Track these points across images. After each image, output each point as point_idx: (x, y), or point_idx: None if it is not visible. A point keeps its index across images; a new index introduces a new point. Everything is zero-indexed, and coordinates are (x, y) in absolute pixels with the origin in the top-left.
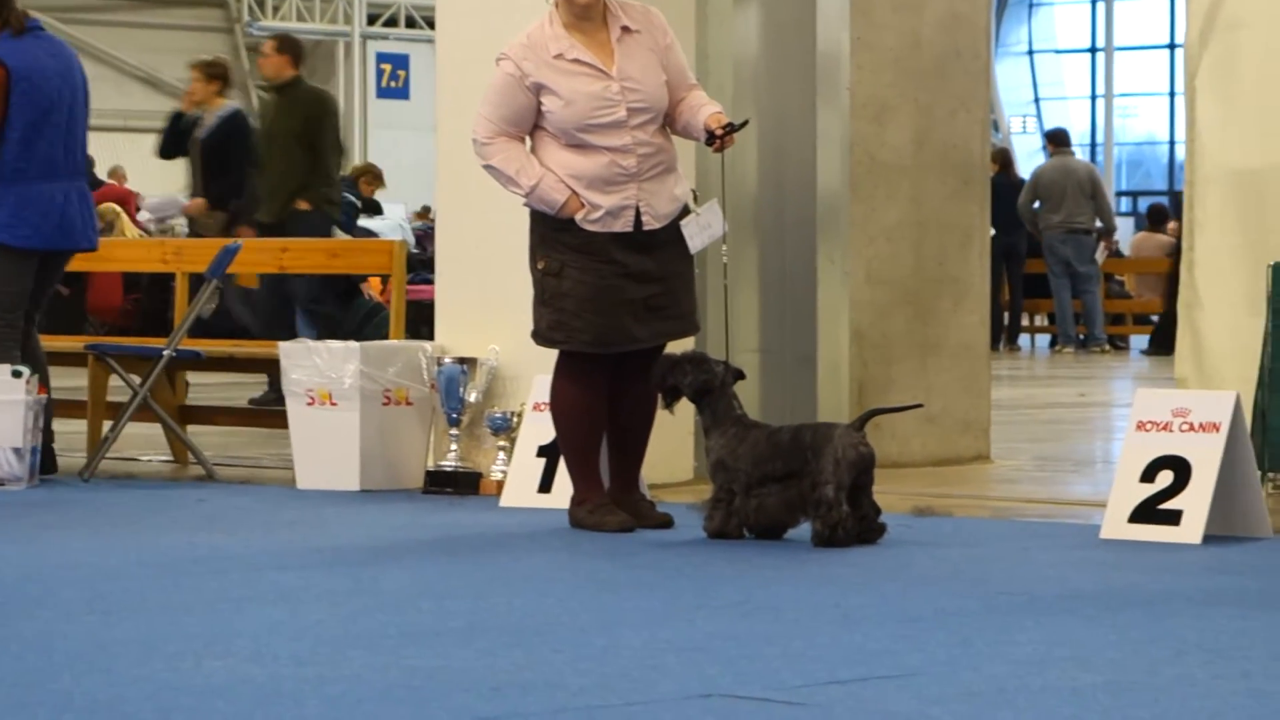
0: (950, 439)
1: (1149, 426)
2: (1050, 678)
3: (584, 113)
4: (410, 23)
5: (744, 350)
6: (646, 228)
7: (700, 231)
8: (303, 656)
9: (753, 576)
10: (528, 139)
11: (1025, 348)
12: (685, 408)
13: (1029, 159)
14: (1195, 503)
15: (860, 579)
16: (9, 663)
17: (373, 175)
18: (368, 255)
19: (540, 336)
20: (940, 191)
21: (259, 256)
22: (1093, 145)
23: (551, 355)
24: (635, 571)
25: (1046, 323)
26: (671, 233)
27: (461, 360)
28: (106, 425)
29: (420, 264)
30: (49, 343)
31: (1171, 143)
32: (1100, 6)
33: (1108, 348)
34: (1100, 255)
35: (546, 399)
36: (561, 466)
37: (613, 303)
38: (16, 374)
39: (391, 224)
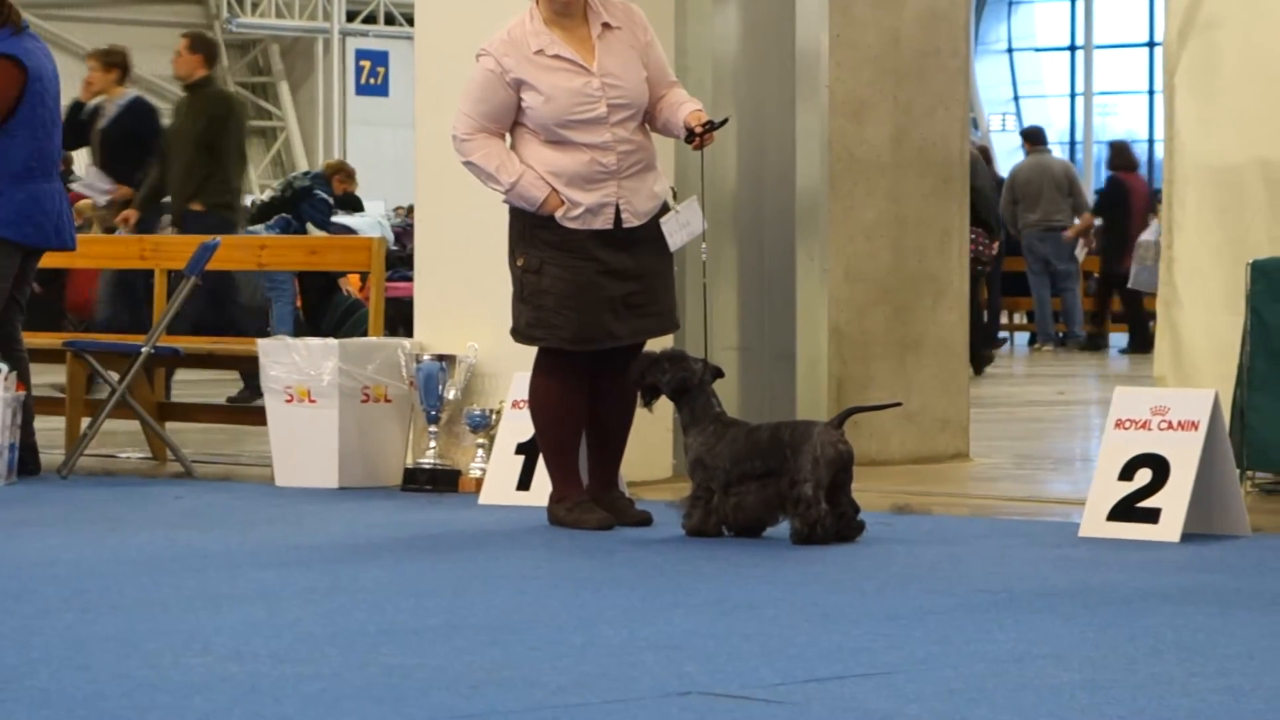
0: (929, 437)
1: (1128, 424)
2: (1028, 675)
3: (564, 109)
4: (390, 19)
5: (723, 348)
6: (626, 225)
7: (679, 229)
8: (281, 654)
9: (731, 574)
10: (508, 136)
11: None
12: (664, 406)
13: (1008, 157)
14: (1174, 501)
15: (839, 577)
16: None
17: (345, 173)
18: (347, 252)
19: (519, 334)
20: (919, 189)
21: (237, 254)
22: (1072, 143)
23: (530, 352)
24: (614, 569)
25: (1025, 320)
26: (651, 230)
27: (440, 357)
28: (85, 422)
29: (399, 261)
30: (27, 339)
31: (1151, 141)
32: (1080, 5)
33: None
34: (1080, 253)
35: (526, 396)
36: (540, 464)
37: (592, 300)
38: None
39: (370, 221)
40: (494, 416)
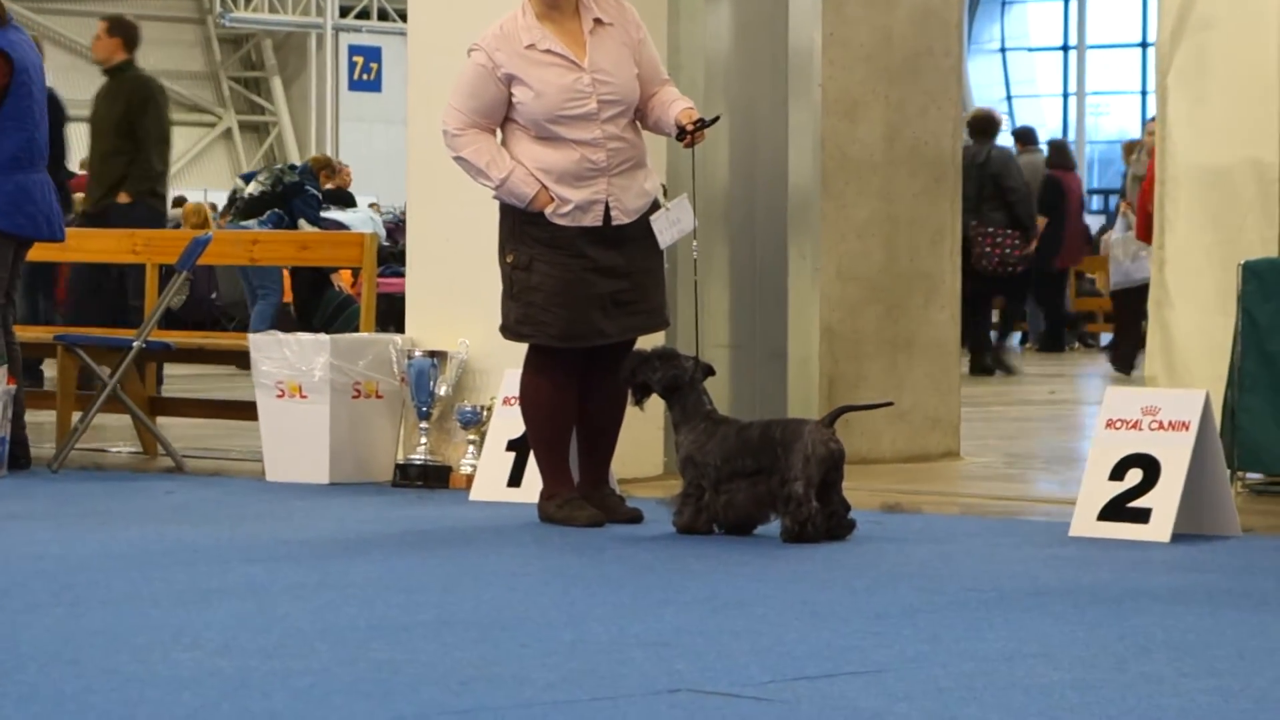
0: (920, 436)
1: (1119, 424)
2: (1018, 674)
3: (555, 104)
4: (383, 15)
5: (714, 345)
6: (615, 223)
7: (670, 226)
8: (270, 649)
9: (721, 572)
10: (498, 131)
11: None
12: (655, 403)
13: None
14: (1164, 501)
15: (829, 575)
16: None
17: (331, 168)
18: (338, 248)
19: (509, 331)
20: (911, 188)
21: (228, 248)
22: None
23: (521, 349)
24: (604, 566)
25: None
26: (641, 228)
27: (432, 354)
28: (76, 416)
29: (391, 256)
30: (18, 333)
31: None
32: (1073, 5)
33: (1077, 345)
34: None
35: (516, 393)
36: (531, 461)
37: (581, 297)
38: None
39: (362, 216)
40: (485, 413)
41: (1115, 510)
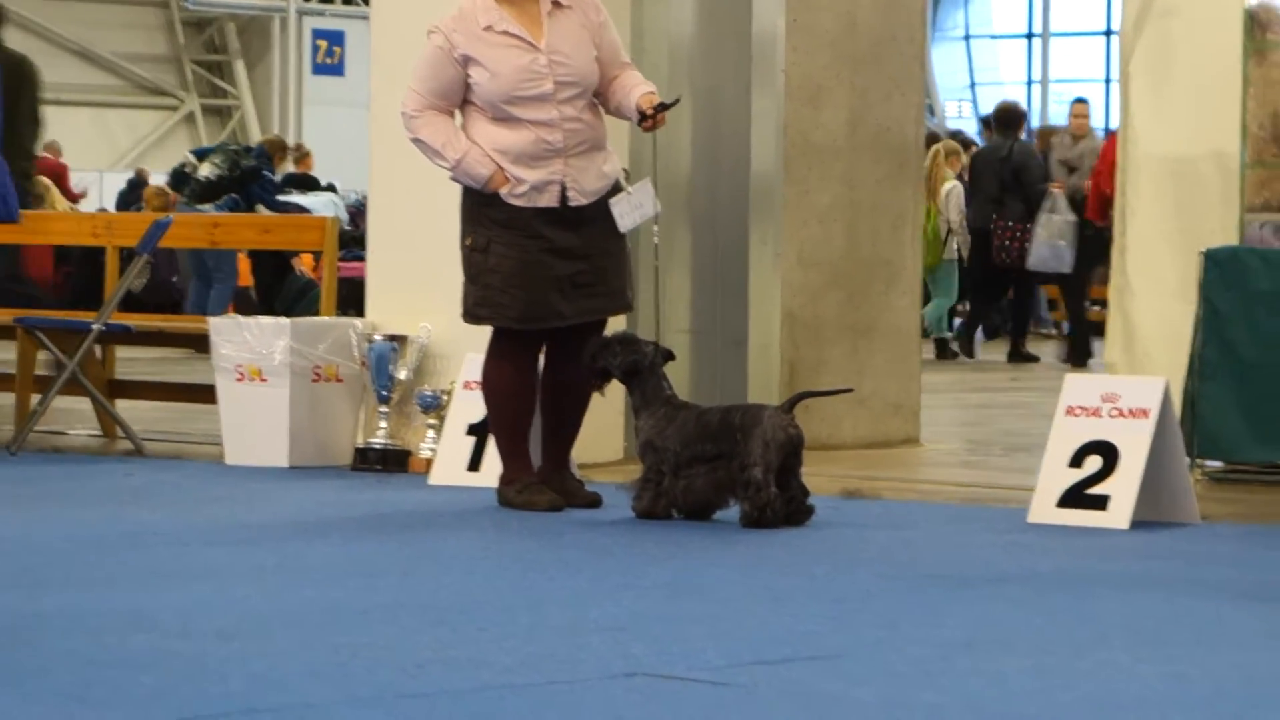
0: (880, 422)
1: (1078, 412)
2: (976, 660)
3: (510, 85)
4: None
5: (675, 331)
6: (573, 204)
7: (631, 210)
8: (228, 632)
9: (681, 557)
10: (458, 114)
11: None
12: (616, 388)
13: None
14: (1123, 488)
15: (788, 560)
16: None
17: (285, 150)
18: (300, 231)
19: (468, 314)
20: (874, 174)
21: (189, 231)
22: (1029, 131)
23: (482, 334)
24: (563, 551)
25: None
26: (600, 210)
27: (392, 338)
28: (35, 399)
29: (352, 241)
30: None
31: (1106, 129)
32: None
33: (1053, 332)
34: None
35: (477, 377)
36: (491, 445)
37: (538, 279)
38: None
39: (324, 200)
40: (445, 397)
41: (1074, 497)
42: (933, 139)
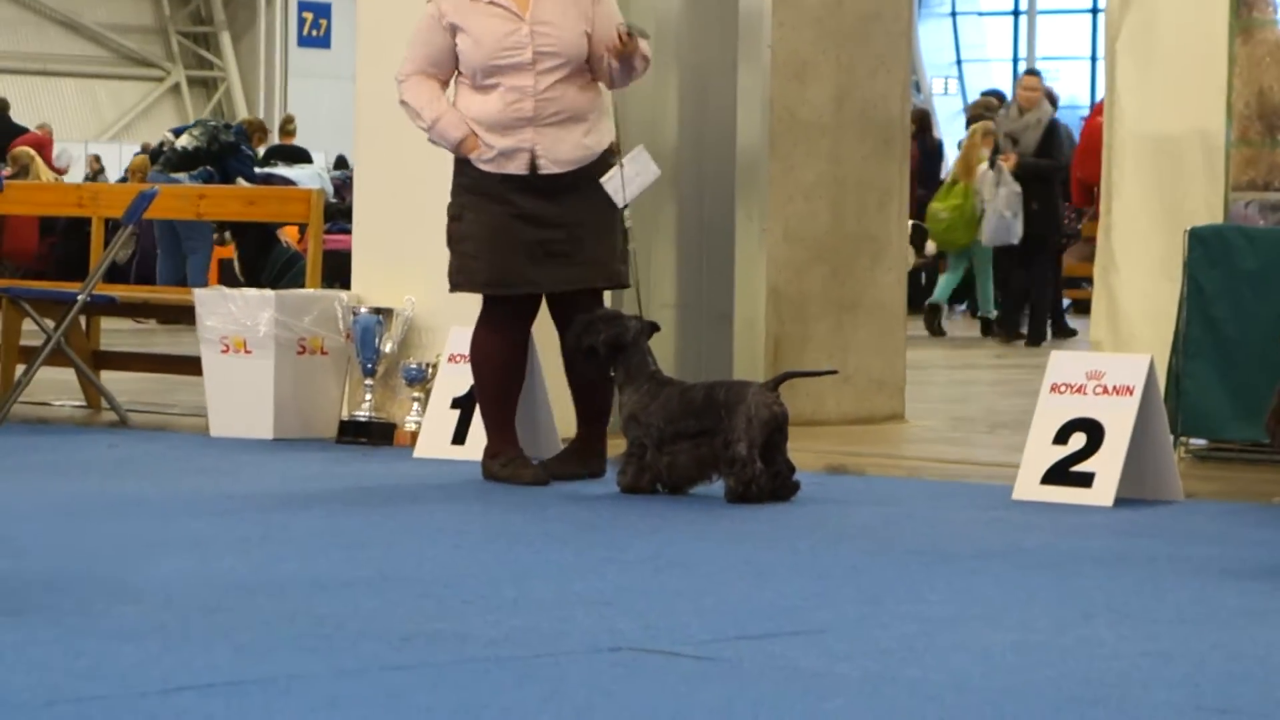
0: (865, 398)
1: (1063, 389)
2: (959, 636)
3: (491, 53)
4: None
5: (661, 306)
6: (544, 171)
7: (629, 182)
8: (212, 604)
9: (666, 531)
10: (453, 85)
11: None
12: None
13: (951, 121)
14: (1107, 465)
15: (773, 535)
16: None
17: (264, 131)
18: (285, 204)
19: (449, 282)
20: (860, 150)
21: (174, 202)
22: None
23: (468, 306)
24: (548, 525)
25: None
26: (582, 180)
27: (378, 310)
28: (19, 370)
29: (338, 213)
30: None
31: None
32: None
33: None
34: None
35: (462, 350)
36: (476, 418)
37: (506, 244)
38: None
39: (310, 173)
40: (430, 370)
41: (1058, 474)
42: (918, 116)
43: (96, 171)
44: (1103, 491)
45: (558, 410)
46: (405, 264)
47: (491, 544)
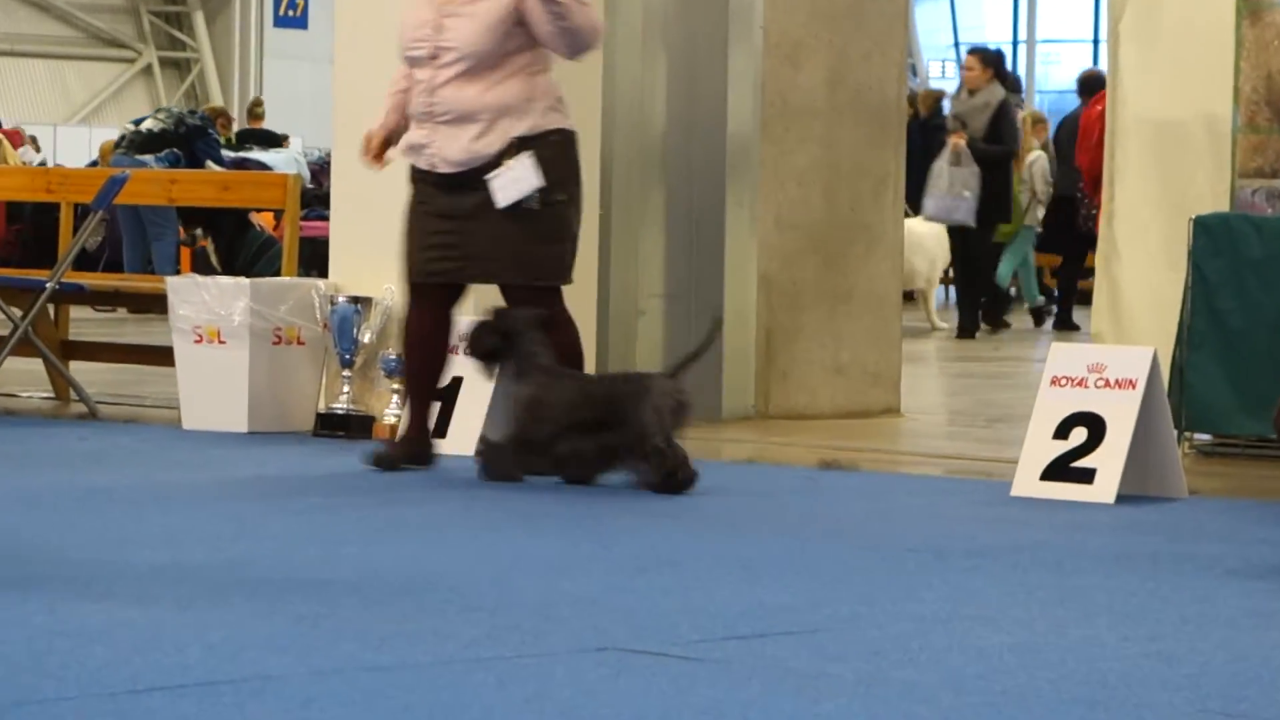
0: (859, 391)
1: (1064, 382)
2: (956, 636)
3: (404, 44)
4: None
5: (649, 295)
6: (438, 170)
7: (509, 185)
8: (184, 601)
9: (651, 528)
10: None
11: (940, 300)
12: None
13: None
14: (1109, 461)
15: (762, 533)
16: None
17: (228, 118)
18: (261, 189)
19: None
20: (854, 136)
21: (145, 187)
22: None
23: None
24: (532, 521)
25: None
26: (476, 178)
27: (356, 300)
28: None
29: (315, 199)
30: None
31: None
32: None
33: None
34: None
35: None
36: (460, 409)
37: (413, 234)
38: None
39: (286, 157)
40: None
41: (1059, 470)
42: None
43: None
44: (1104, 488)
45: None
46: (384, 252)
47: (474, 541)
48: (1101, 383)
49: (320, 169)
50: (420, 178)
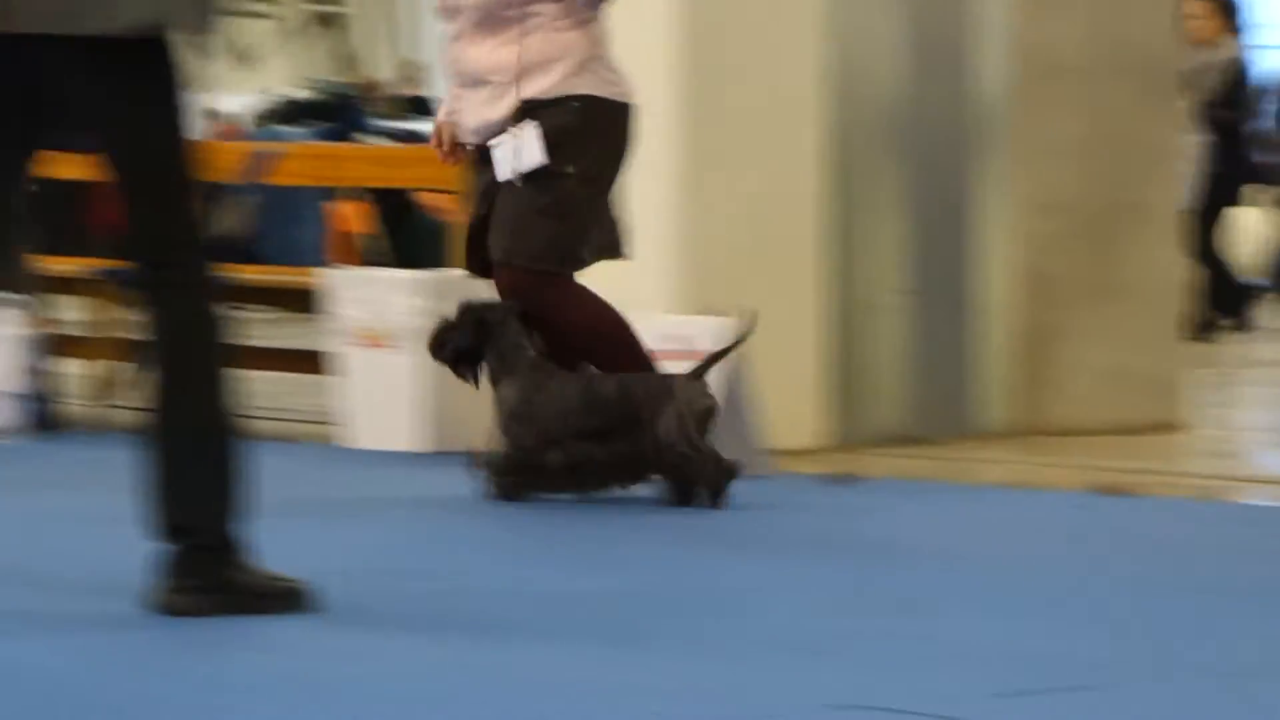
0: (1133, 400)
1: None
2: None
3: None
4: None
5: (886, 291)
6: (464, 141)
7: (509, 156)
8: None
9: (869, 552)
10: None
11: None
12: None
13: None
14: None
15: (1020, 565)
16: None
17: (375, 86)
18: (428, 166)
19: None
20: (1122, 100)
21: (297, 164)
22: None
23: (646, 285)
24: (725, 545)
25: None
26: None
27: None
28: (108, 364)
29: None
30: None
31: None
32: None
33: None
34: None
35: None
36: None
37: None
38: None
39: None
40: None
41: None
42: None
43: None
44: None
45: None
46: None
47: (690, 573)
48: None
49: None
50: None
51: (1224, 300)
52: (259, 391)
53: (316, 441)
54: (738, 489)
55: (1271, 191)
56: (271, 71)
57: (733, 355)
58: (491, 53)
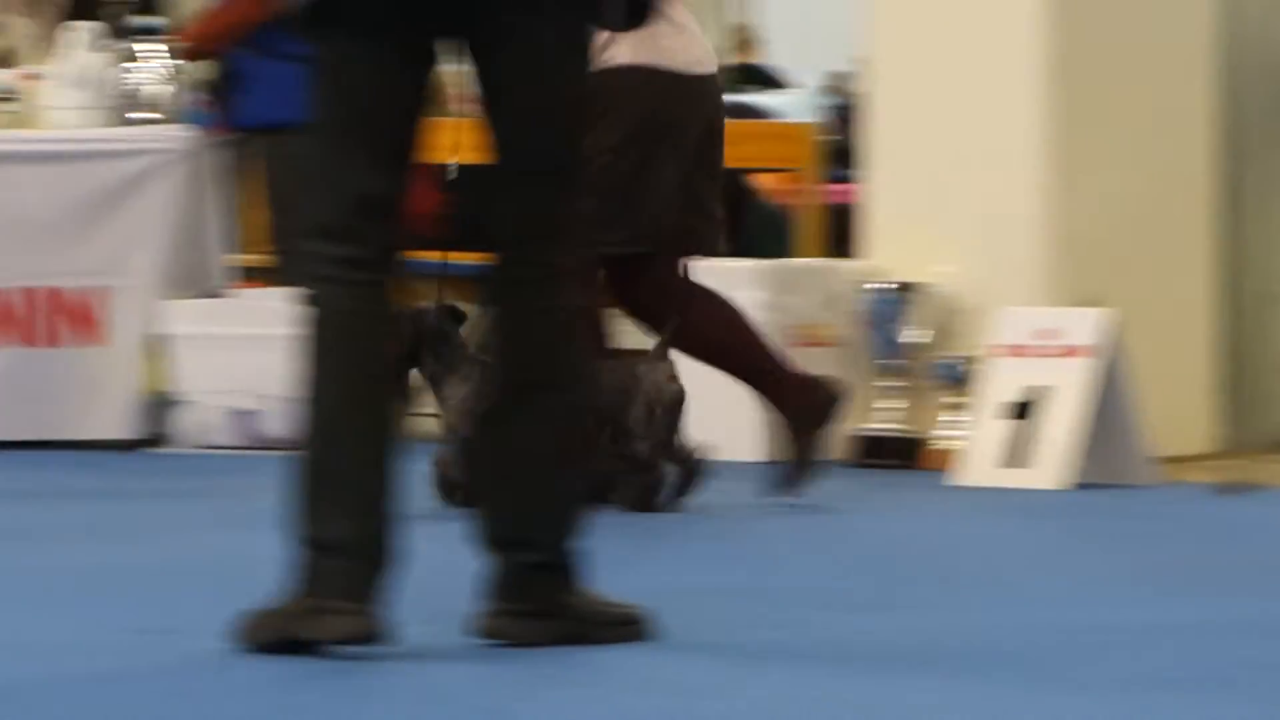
0: None
1: None
2: None
3: None
4: None
5: (1251, 295)
6: None
7: None
8: None
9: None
10: None
11: None
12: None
13: None
14: None
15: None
16: None
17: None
18: (766, 143)
19: None
20: None
21: None
22: None
23: (1019, 281)
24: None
25: None
26: None
27: (899, 286)
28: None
29: (835, 155)
30: None
31: None
32: None
33: None
34: None
35: (1015, 340)
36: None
37: None
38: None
39: (793, 101)
40: (969, 366)
41: None
42: None
43: None
44: None
45: None
46: (936, 223)
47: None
48: None
49: (840, 115)
50: None
51: None
52: None
53: None
54: (1128, 500)
55: None
56: None
57: (1112, 353)
58: None
